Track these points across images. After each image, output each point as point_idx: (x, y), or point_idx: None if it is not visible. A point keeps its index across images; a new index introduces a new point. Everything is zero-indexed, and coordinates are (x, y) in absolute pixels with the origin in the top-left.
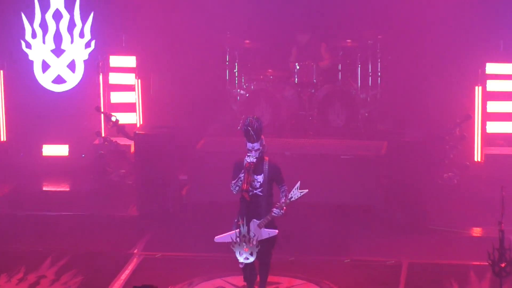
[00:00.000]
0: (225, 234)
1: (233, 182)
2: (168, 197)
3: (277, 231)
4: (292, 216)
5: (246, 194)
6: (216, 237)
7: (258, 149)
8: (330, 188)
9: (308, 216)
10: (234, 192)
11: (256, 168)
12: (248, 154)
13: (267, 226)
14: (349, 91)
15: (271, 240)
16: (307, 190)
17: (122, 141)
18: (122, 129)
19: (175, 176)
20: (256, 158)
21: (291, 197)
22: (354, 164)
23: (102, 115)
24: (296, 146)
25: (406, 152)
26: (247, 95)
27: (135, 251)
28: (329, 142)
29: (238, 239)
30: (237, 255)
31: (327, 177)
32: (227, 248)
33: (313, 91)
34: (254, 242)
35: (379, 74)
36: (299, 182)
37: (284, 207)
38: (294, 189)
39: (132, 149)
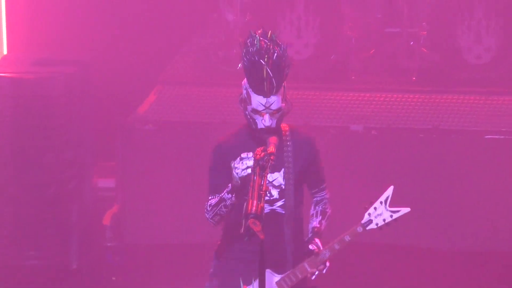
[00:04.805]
0: None
1: (211, 200)
2: (69, 232)
3: None
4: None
5: (257, 226)
6: None
7: (279, 110)
8: (459, 216)
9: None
10: (212, 224)
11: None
12: (256, 123)
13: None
14: None
15: None
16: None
17: None
18: None
19: (86, 180)
20: (274, 132)
21: (334, 247)
22: None
23: None
24: (379, 110)
25: None
26: None
27: None
28: (458, 99)
29: None
30: None
31: (453, 191)
32: None
33: None
34: None
35: None
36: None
37: (327, 259)
38: (341, 238)
39: None
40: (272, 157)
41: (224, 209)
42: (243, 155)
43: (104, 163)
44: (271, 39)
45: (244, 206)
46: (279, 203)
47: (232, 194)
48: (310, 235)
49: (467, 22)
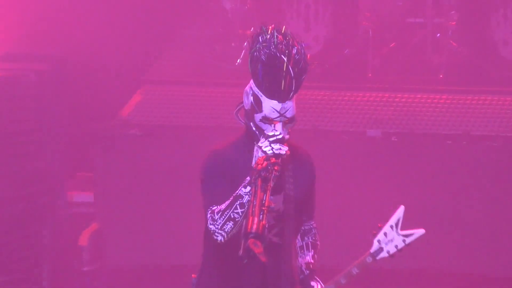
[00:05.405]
0: None
1: (215, 208)
2: (40, 254)
3: None
4: None
5: (258, 247)
6: None
7: (293, 120)
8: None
9: None
10: (220, 237)
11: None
12: (265, 133)
13: None
14: None
15: None
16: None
17: None
18: None
19: (60, 194)
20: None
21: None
22: None
23: None
24: (400, 113)
25: None
26: None
27: None
28: (492, 101)
29: None
30: None
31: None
32: None
33: None
34: None
35: None
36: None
37: None
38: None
39: None
40: (276, 167)
41: (240, 210)
42: (270, 132)
43: (81, 174)
44: (286, 35)
45: (244, 224)
46: (275, 230)
47: (251, 187)
48: (306, 272)
49: (503, 11)
